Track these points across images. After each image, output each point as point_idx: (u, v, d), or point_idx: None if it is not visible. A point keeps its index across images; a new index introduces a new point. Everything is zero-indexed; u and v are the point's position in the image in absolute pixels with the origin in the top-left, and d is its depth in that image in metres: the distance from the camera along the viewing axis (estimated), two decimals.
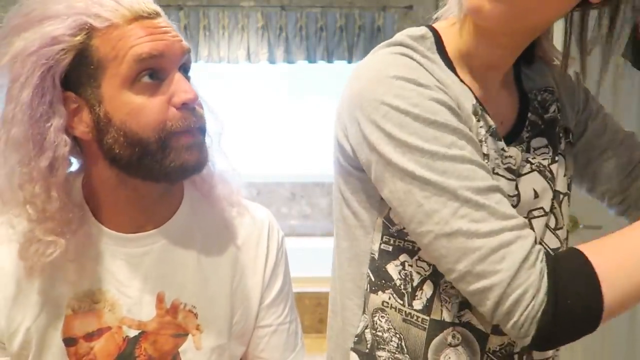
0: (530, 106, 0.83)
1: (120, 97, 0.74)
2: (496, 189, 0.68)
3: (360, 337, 0.80)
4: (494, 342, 0.77)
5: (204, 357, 0.86)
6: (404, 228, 0.75)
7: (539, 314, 0.64)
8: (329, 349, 0.88)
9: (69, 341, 0.82)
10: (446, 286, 0.75)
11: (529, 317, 0.64)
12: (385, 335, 0.78)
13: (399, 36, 0.75)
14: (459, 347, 0.76)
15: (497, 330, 0.76)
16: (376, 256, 0.78)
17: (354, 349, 0.81)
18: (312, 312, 3.62)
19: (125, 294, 0.83)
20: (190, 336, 0.85)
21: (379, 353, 0.78)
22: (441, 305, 0.75)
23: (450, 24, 0.78)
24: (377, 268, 0.78)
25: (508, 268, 0.64)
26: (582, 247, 0.66)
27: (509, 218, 0.66)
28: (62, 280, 0.81)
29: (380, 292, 0.78)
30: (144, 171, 0.77)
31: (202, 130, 0.80)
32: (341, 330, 0.84)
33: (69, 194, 0.80)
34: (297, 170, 4.62)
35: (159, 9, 0.79)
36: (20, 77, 0.73)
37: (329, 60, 4.08)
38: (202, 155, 0.79)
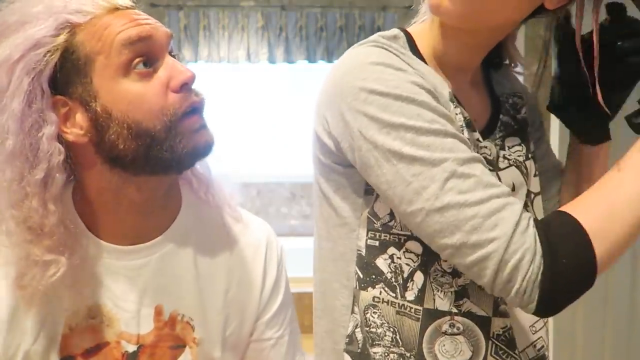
0: (502, 108, 0.85)
1: (117, 87, 0.71)
2: (478, 160, 0.69)
3: (351, 337, 0.80)
4: (497, 324, 0.77)
5: None
6: (389, 221, 0.76)
7: (539, 276, 0.64)
8: (315, 355, 0.86)
9: (67, 359, 0.79)
10: (436, 275, 0.75)
11: (530, 280, 0.64)
12: (379, 330, 0.77)
13: (372, 37, 0.77)
14: (459, 337, 0.76)
15: (498, 312, 0.77)
16: (363, 252, 0.78)
17: (346, 350, 0.80)
18: (312, 312, 3.60)
19: (122, 308, 0.81)
20: (187, 348, 0.83)
21: (373, 350, 0.77)
22: (433, 295, 0.76)
23: (421, 27, 0.81)
24: (366, 264, 0.78)
25: (502, 234, 0.64)
26: (567, 208, 0.68)
27: (495, 186, 0.67)
28: (59, 298, 0.77)
29: (370, 288, 0.77)
30: (153, 163, 0.74)
31: (204, 109, 0.78)
32: (329, 333, 0.83)
33: (63, 207, 0.76)
34: (297, 170, 4.61)
35: (132, 3, 0.77)
36: (9, 86, 0.70)
37: (329, 60, 4.08)
38: (210, 135, 0.77)
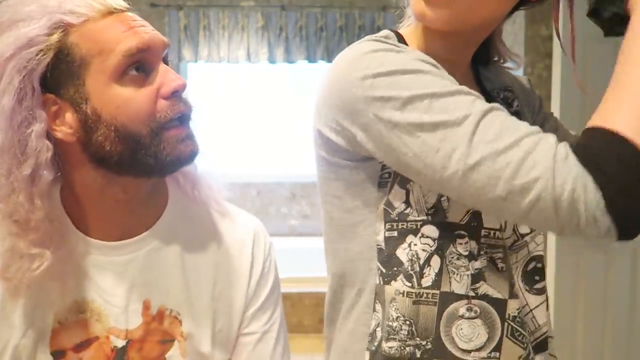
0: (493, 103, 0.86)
1: (108, 91, 0.72)
2: (498, 108, 0.68)
3: (372, 336, 0.79)
4: (512, 306, 0.77)
5: None
6: (405, 209, 0.76)
7: (601, 199, 0.61)
8: (338, 355, 0.84)
9: (58, 354, 0.80)
10: (452, 258, 0.75)
11: (593, 206, 0.61)
12: (395, 324, 0.76)
13: (365, 38, 0.78)
14: (476, 320, 0.76)
15: (513, 294, 0.77)
16: (383, 246, 0.78)
17: (368, 349, 0.80)
18: (312, 312, 3.61)
19: (111, 303, 0.82)
20: (176, 342, 0.84)
21: (388, 344, 0.77)
22: (449, 278, 0.75)
23: (408, 29, 0.84)
24: (387, 257, 0.77)
25: (544, 170, 0.62)
26: (594, 122, 0.65)
27: (522, 127, 0.66)
28: (47, 294, 0.79)
29: (393, 282, 0.77)
30: (137, 166, 0.75)
31: (190, 119, 0.79)
32: (351, 334, 0.82)
33: (50, 203, 0.77)
34: (297, 170, 4.61)
35: (127, 5, 0.78)
36: (0, 83, 0.71)
37: (329, 60, 4.08)
38: (195, 145, 0.78)
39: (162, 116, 0.75)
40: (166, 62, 0.79)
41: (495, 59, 0.90)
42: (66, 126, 0.75)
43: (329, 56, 4.07)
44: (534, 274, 0.83)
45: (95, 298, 0.82)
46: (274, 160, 4.72)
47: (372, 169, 0.77)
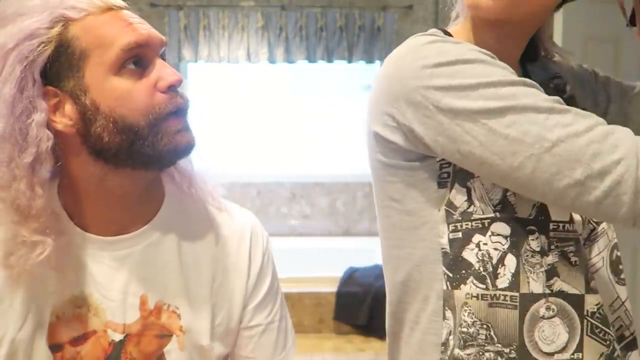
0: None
1: (107, 83, 0.75)
2: (562, 102, 0.66)
3: (445, 345, 0.75)
4: (590, 302, 0.73)
5: (187, 358, 0.85)
6: (467, 208, 0.73)
7: None
8: None
9: (55, 347, 0.81)
10: (527, 256, 0.72)
11: None
12: (471, 330, 0.72)
13: (414, 35, 0.77)
14: (555, 319, 0.72)
15: (590, 288, 0.73)
16: (448, 249, 0.75)
17: (441, 359, 0.76)
18: (312, 312, 3.61)
19: (108, 298, 0.83)
20: (174, 337, 0.85)
21: (466, 352, 0.73)
22: (527, 277, 0.72)
23: (455, 28, 0.82)
24: (453, 260, 0.74)
25: (627, 152, 0.59)
26: None
27: (594, 115, 0.64)
28: (44, 287, 0.80)
29: (462, 286, 0.73)
30: (135, 157, 0.77)
31: (187, 112, 0.81)
32: (420, 344, 0.79)
33: (49, 195, 0.79)
34: (297, 170, 4.62)
35: (126, 4, 0.81)
36: (2, 73, 0.74)
37: (329, 60, 4.08)
38: (191, 137, 0.80)
39: (160, 108, 0.76)
40: (163, 59, 0.81)
41: (543, 54, 0.89)
42: (66, 118, 0.76)
43: (329, 56, 4.07)
44: (618, 263, 0.79)
45: (92, 292, 0.83)
46: (274, 160, 4.72)
47: (431, 168, 0.75)
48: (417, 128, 0.70)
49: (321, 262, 3.94)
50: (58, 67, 0.75)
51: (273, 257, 0.96)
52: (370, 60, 4.08)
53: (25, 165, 0.75)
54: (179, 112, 0.79)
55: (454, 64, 0.67)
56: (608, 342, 0.73)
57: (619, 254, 0.79)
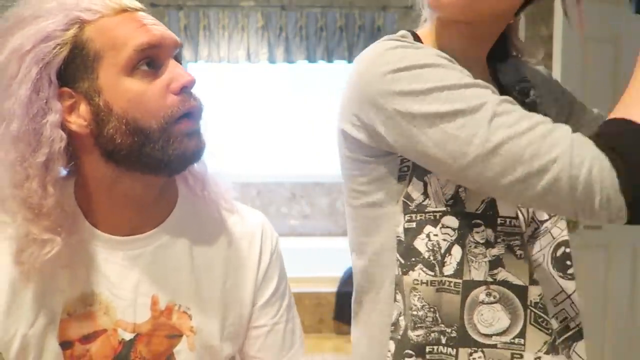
0: (510, 97, 0.88)
1: (120, 84, 0.75)
2: (511, 101, 0.71)
3: (395, 325, 0.82)
4: (534, 293, 0.79)
5: (197, 358, 0.86)
6: (423, 201, 0.79)
7: (615, 179, 0.64)
8: (364, 346, 0.88)
9: (65, 344, 0.82)
10: (471, 247, 0.78)
11: (608, 187, 0.64)
12: (420, 313, 0.79)
13: (383, 37, 0.81)
14: (496, 305, 0.78)
15: (534, 280, 0.79)
16: (403, 237, 0.80)
17: (391, 338, 0.83)
18: (312, 312, 3.61)
19: (119, 297, 0.83)
20: (184, 337, 0.85)
21: (415, 333, 0.79)
22: (470, 266, 0.78)
23: (423, 30, 0.86)
24: (405, 248, 0.80)
25: (562, 151, 0.65)
26: (612, 114, 0.68)
27: (536, 116, 0.69)
28: (56, 284, 0.81)
29: (411, 272, 0.79)
30: (144, 161, 0.77)
31: (200, 115, 0.81)
32: (377, 324, 0.85)
33: (63, 194, 0.80)
34: (297, 170, 4.62)
35: (140, 5, 0.82)
36: (18, 74, 0.75)
37: (329, 60, 4.08)
38: (201, 142, 0.81)
39: (173, 111, 0.77)
40: (179, 61, 0.82)
41: (514, 54, 0.93)
42: (80, 119, 0.77)
43: (329, 56, 4.07)
44: (565, 259, 0.84)
45: (103, 291, 0.83)
46: (274, 160, 4.72)
47: (392, 164, 0.80)
48: (379, 128, 0.75)
49: (321, 262, 3.94)
50: (73, 68, 0.76)
51: (282, 259, 0.96)
52: None
53: (38, 164, 0.76)
54: (192, 114, 0.79)
55: (412, 69, 0.72)
56: (550, 331, 0.79)
57: (567, 250, 0.84)
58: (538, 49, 0.89)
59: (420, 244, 0.79)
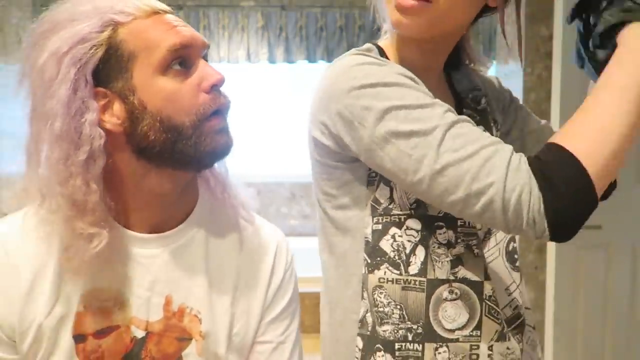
0: (464, 103, 0.96)
1: (154, 83, 0.78)
2: (465, 120, 0.77)
3: (362, 322, 0.86)
4: (487, 287, 0.86)
5: None
6: (389, 204, 0.85)
7: (542, 205, 0.71)
8: (330, 344, 0.92)
9: (79, 338, 0.83)
10: (434, 247, 0.84)
11: (534, 211, 0.71)
12: (387, 309, 0.84)
13: (350, 51, 0.86)
14: (458, 301, 0.85)
15: (487, 275, 0.86)
16: (370, 238, 0.86)
17: (359, 334, 0.87)
18: (312, 312, 3.60)
19: (135, 294, 0.84)
20: (194, 341, 0.86)
21: (383, 328, 0.84)
22: (433, 266, 0.84)
23: (387, 41, 0.92)
24: (372, 248, 0.85)
25: (498, 177, 0.72)
26: (554, 139, 0.74)
27: (483, 138, 0.75)
28: (74, 277, 0.83)
29: (376, 271, 0.85)
30: (176, 157, 0.80)
31: (228, 112, 0.85)
32: (342, 323, 0.90)
33: (102, 190, 0.82)
34: (297, 170, 4.62)
35: (170, 8, 0.85)
36: (58, 75, 0.77)
37: (329, 60, 4.08)
38: (230, 138, 0.84)
39: (204, 108, 0.80)
40: (206, 60, 0.84)
41: (467, 62, 1.00)
42: (115, 117, 0.80)
43: (329, 56, 4.07)
44: (514, 253, 0.94)
45: (120, 287, 0.84)
46: (274, 160, 4.72)
47: (361, 169, 0.85)
48: (345, 138, 0.81)
49: None
50: (108, 68, 0.79)
51: (297, 279, 0.98)
52: None
53: (80, 162, 0.78)
54: (221, 111, 0.82)
55: (376, 86, 0.77)
56: (500, 321, 0.86)
57: (515, 245, 0.93)
58: (488, 58, 0.92)
59: (385, 244, 0.85)
